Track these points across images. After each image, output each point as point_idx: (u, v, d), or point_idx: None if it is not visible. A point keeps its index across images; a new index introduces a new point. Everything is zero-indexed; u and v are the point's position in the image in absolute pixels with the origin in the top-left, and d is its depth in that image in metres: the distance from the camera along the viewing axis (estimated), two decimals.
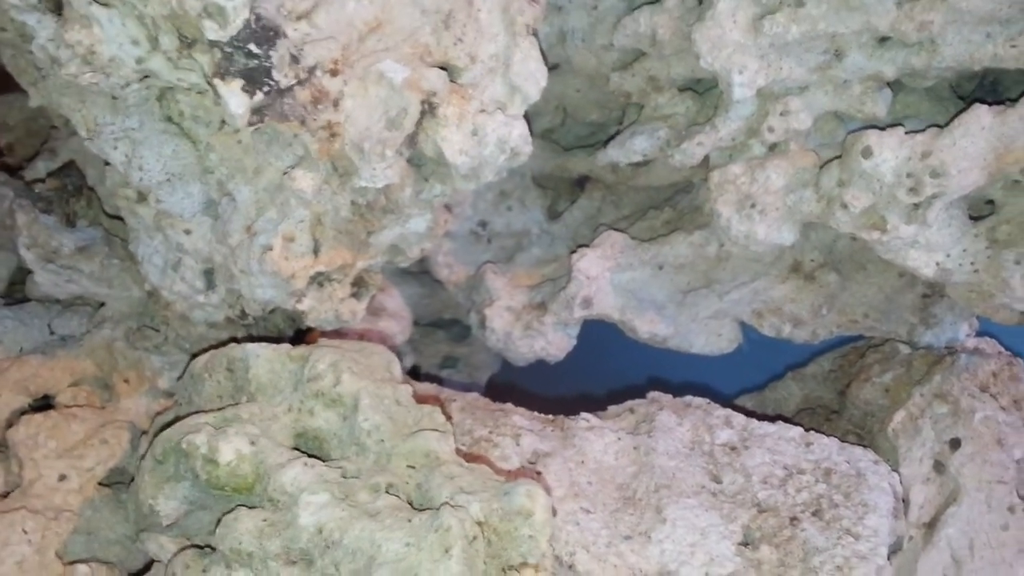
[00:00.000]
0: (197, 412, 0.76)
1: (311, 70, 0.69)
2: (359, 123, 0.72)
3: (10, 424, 0.84)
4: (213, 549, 0.68)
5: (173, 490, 0.73)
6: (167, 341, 0.92)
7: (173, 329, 0.91)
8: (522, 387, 1.28)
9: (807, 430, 0.93)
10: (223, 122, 0.75)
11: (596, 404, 0.98)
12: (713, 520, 0.83)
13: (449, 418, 0.78)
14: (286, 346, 0.78)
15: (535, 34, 0.81)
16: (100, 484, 0.84)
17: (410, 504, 0.67)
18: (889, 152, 0.84)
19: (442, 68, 0.76)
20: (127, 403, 0.90)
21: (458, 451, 0.73)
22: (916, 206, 0.86)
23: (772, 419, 0.95)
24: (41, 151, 1.00)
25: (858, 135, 0.87)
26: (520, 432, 0.89)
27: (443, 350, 1.29)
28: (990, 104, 0.84)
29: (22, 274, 0.97)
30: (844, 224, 0.89)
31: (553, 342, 1.05)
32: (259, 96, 0.68)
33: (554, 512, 0.75)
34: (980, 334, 1.05)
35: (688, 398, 0.98)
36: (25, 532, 0.77)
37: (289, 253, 0.79)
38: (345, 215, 0.81)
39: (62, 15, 0.68)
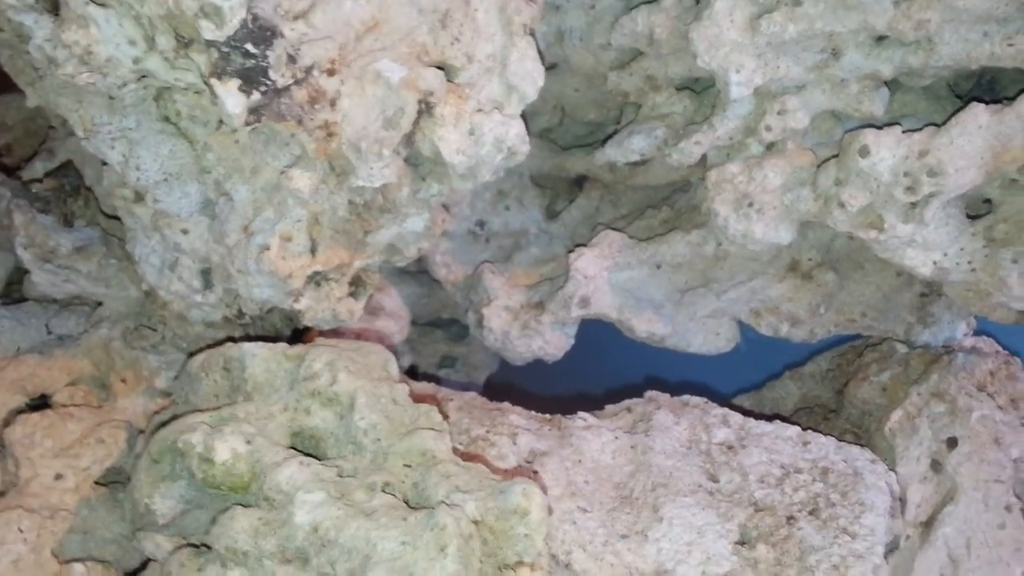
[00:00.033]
0: (193, 411, 0.76)
1: (308, 70, 0.69)
2: (356, 122, 0.72)
3: (7, 423, 0.84)
4: (209, 548, 0.68)
5: (169, 489, 0.73)
6: (164, 341, 0.92)
7: (170, 329, 0.91)
8: (520, 387, 1.28)
9: (805, 429, 0.93)
10: (220, 122, 0.75)
11: (594, 403, 0.98)
12: (710, 519, 0.83)
13: (446, 417, 0.78)
14: (282, 345, 0.78)
15: (532, 34, 0.81)
16: (96, 483, 0.84)
17: (406, 503, 0.67)
18: (886, 151, 0.84)
19: (439, 68, 0.76)
20: (124, 402, 0.90)
21: (455, 450, 0.73)
22: (913, 205, 0.86)
23: (770, 418, 0.95)
24: (39, 151, 1.00)
25: (855, 134, 0.87)
26: (517, 431, 0.89)
27: (441, 350, 1.29)
28: (988, 103, 0.84)
29: (20, 274, 0.97)
30: (841, 223, 0.89)
31: (551, 341, 1.05)
32: (256, 96, 0.68)
33: (550, 511, 0.75)
34: (978, 333, 1.05)
35: (685, 397, 0.98)
36: (21, 531, 0.77)
37: (286, 252, 0.79)
38: (342, 214, 0.81)
39: (59, 15, 0.68)
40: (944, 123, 0.84)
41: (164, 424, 0.76)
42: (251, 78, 0.67)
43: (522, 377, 1.22)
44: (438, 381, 1.15)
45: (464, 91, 0.77)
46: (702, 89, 0.99)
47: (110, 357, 0.92)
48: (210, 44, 0.65)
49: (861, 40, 0.86)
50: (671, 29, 0.92)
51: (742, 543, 0.82)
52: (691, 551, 0.80)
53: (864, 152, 0.85)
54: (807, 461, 0.89)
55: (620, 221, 1.10)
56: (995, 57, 0.83)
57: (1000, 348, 1.02)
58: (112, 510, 0.84)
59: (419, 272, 1.19)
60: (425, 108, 0.76)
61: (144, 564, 0.80)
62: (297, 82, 0.69)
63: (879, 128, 0.86)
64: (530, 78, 0.80)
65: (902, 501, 0.91)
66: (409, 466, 0.70)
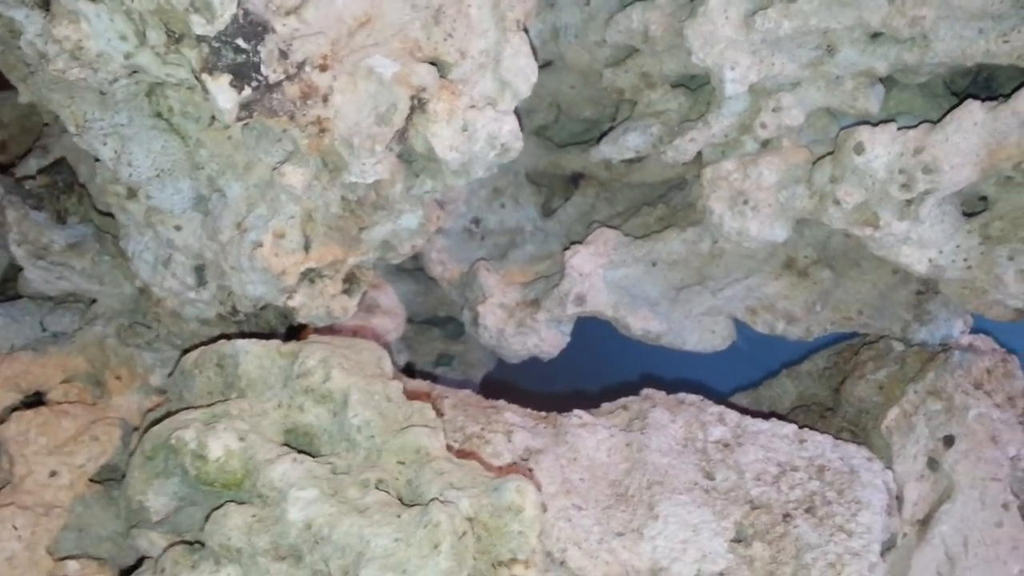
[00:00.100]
0: (187, 408, 0.76)
1: (300, 65, 0.69)
2: (348, 118, 0.72)
3: (1, 420, 0.84)
4: (203, 545, 0.68)
5: (163, 486, 0.73)
6: (159, 338, 0.92)
7: (165, 326, 0.91)
8: (517, 384, 1.27)
9: (801, 427, 0.93)
10: (213, 118, 0.75)
11: (590, 401, 0.98)
12: (705, 517, 0.82)
13: (440, 415, 0.78)
14: (276, 342, 0.78)
15: (525, 30, 0.81)
16: (91, 481, 0.84)
17: (400, 500, 0.67)
18: (881, 148, 0.84)
19: (432, 63, 0.76)
20: (119, 400, 0.90)
21: (449, 448, 0.73)
22: (909, 202, 0.85)
23: (766, 416, 0.95)
24: (33, 148, 1.00)
25: (850, 131, 0.86)
26: (512, 429, 0.89)
27: (438, 347, 1.29)
28: (984, 100, 0.83)
29: (14, 271, 0.97)
30: (837, 220, 0.89)
31: (546, 339, 1.05)
32: (247, 91, 0.68)
33: (544, 508, 0.75)
34: (975, 331, 1.04)
35: (682, 395, 0.98)
36: (15, 528, 0.77)
37: (279, 249, 0.79)
38: (336, 211, 0.81)
39: (50, 10, 0.68)
40: (939, 120, 0.84)
41: (158, 421, 0.76)
42: (242, 73, 0.67)
43: (518, 375, 1.22)
44: (435, 379, 1.15)
45: (457, 87, 0.77)
46: (697, 86, 0.99)
47: (104, 354, 0.92)
48: (201, 39, 0.65)
49: (856, 37, 0.86)
50: (666, 26, 0.92)
51: (738, 541, 0.81)
52: (686, 549, 0.80)
53: (859, 149, 0.85)
54: (803, 459, 0.89)
55: (616, 218, 1.10)
56: (990, 54, 0.83)
57: (997, 346, 1.02)
58: (107, 507, 0.84)
59: (415, 270, 1.19)
60: (418, 104, 0.75)
61: (139, 561, 0.80)
62: (289, 77, 0.69)
63: (874, 125, 0.86)
64: (523, 74, 0.80)
65: (899, 499, 0.91)
66: (403, 463, 0.70)
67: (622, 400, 0.98)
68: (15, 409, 0.86)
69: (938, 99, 0.93)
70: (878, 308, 1.04)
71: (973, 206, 0.91)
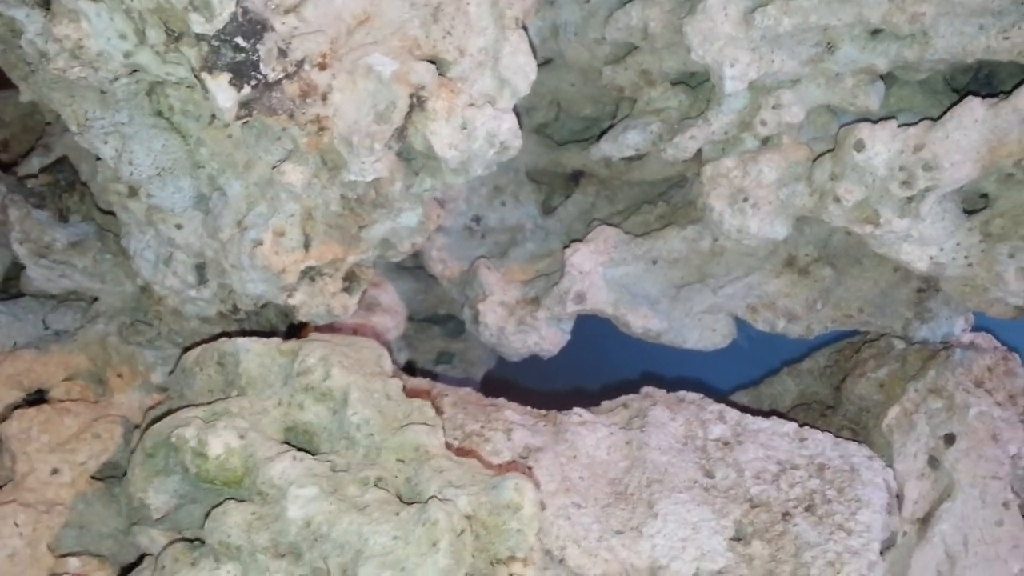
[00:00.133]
0: (188, 406, 0.76)
1: (299, 64, 0.69)
2: (348, 117, 0.72)
3: (3, 418, 0.85)
4: (203, 542, 0.69)
5: (163, 484, 0.73)
6: (160, 336, 0.92)
7: (166, 324, 0.92)
8: (517, 382, 1.28)
9: (802, 425, 0.93)
10: (213, 117, 0.76)
11: (590, 399, 0.98)
12: (705, 515, 0.82)
13: (440, 413, 0.78)
14: (276, 340, 0.78)
15: (524, 27, 0.81)
16: (93, 478, 0.85)
17: (399, 498, 0.67)
18: (881, 145, 0.84)
19: (431, 62, 0.76)
20: (120, 398, 0.90)
21: (449, 446, 0.73)
22: (909, 199, 0.85)
23: (767, 414, 0.95)
24: (35, 147, 1.00)
25: (850, 128, 0.86)
26: (512, 427, 0.89)
27: (438, 346, 1.29)
28: (985, 97, 0.83)
29: (16, 269, 0.97)
30: (837, 218, 0.89)
31: (546, 337, 1.05)
32: (247, 90, 0.68)
33: (543, 506, 0.75)
34: (976, 329, 1.04)
35: (682, 393, 0.98)
36: (17, 525, 0.78)
37: (279, 247, 0.79)
38: (335, 209, 0.81)
39: (50, 9, 0.68)
40: (940, 117, 0.83)
41: (159, 419, 0.76)
42: (242, 72, 0.67)
43: (519, 373, 1.22)
44: (435, 377, 1.15)
45: (456, 85, 0.77)
46: (697, 84, 0.99)
47: (106, 352, 0.92)
48: (200, 38, 0.65)
49: (856, 34, 0.86)
50: (665, 23, 0.92)
51: (737, 539, 0.81)
52: (686, 547, 0.80)
53: (859, 146, 0.84)
54: (803, 457, 0.89)
55: (616, 216, 1.10)
56: (991, 51, 0.83)
57: (998, 344, 1.02)
58: (108, 505, 0.84)
59: (415, 268, 1.19)
60: (417, 102, 0.75)
61: (139, 558, 0.80)
62: (288, 76, 0.69)
63: (875, 122, 0.86)
64: (522, 72, 0.80)
65: (899, 498, 0.90)
66: (402, 461, 0.70)
67: (622, 398, 0.98)
68: (17, 407, 0.86)
69: (938, 96, 0.93)
70: (879, 306, 1.04)
71: (974, 203, 0.91)
